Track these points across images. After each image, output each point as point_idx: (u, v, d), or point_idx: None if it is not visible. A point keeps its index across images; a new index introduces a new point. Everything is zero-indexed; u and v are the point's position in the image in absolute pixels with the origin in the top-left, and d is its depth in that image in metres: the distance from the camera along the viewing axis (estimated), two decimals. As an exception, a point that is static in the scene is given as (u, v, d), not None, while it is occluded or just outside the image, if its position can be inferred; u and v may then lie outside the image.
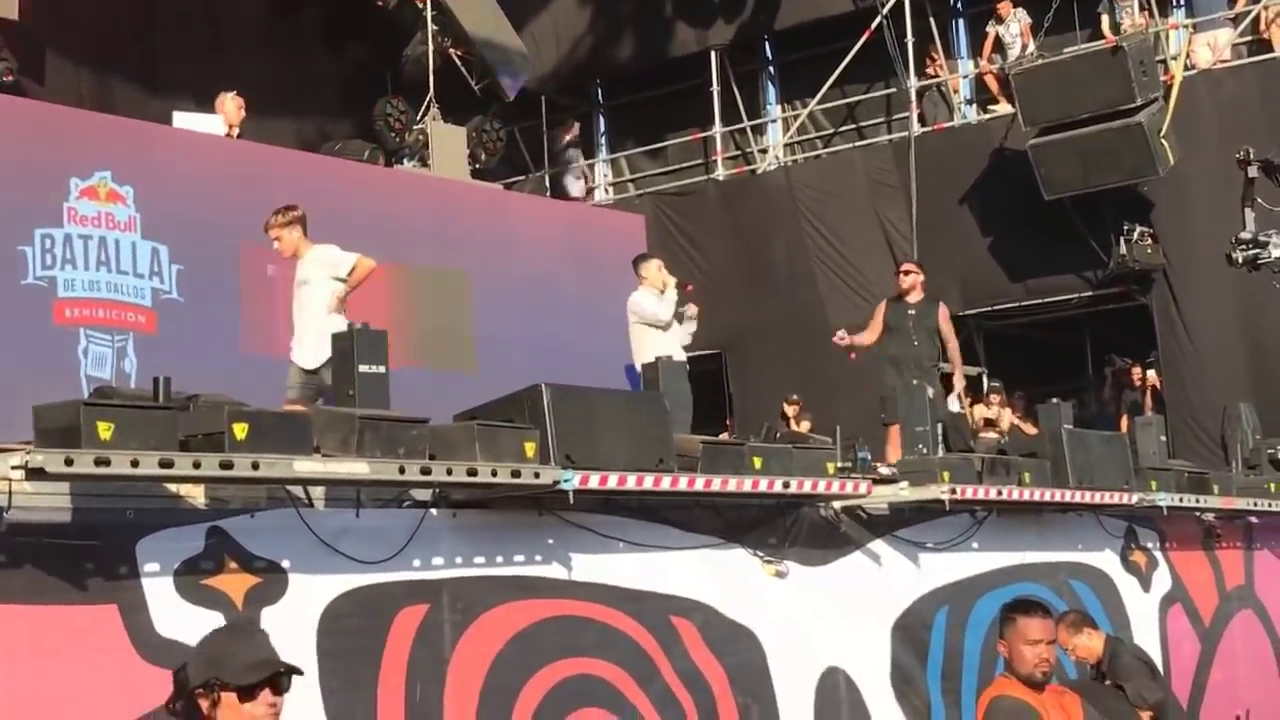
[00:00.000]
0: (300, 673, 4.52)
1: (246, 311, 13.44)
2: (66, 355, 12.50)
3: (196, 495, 6.74)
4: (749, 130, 21.28)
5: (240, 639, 4.57)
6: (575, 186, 22.23)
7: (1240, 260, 12.82)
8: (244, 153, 14.53)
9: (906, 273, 14.26)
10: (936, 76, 19.57)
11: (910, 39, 18.95)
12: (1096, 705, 7.08)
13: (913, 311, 13.97)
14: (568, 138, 22.25)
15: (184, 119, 14.52)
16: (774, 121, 21.60)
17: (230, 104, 14.86)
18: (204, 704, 4.38)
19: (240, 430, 6.32)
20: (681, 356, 12.95)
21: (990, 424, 17.65)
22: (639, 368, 12.68)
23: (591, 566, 8.10)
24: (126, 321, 12.97)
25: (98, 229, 12.87)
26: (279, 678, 4.44)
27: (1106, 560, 11.66)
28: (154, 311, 13.09)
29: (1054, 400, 12.00)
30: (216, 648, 4.51)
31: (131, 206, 13.10)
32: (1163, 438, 13.10)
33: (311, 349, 10.96)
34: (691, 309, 13.93)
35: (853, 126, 20.84)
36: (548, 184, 22.09)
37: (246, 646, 4.49)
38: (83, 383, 12.20)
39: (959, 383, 14.37)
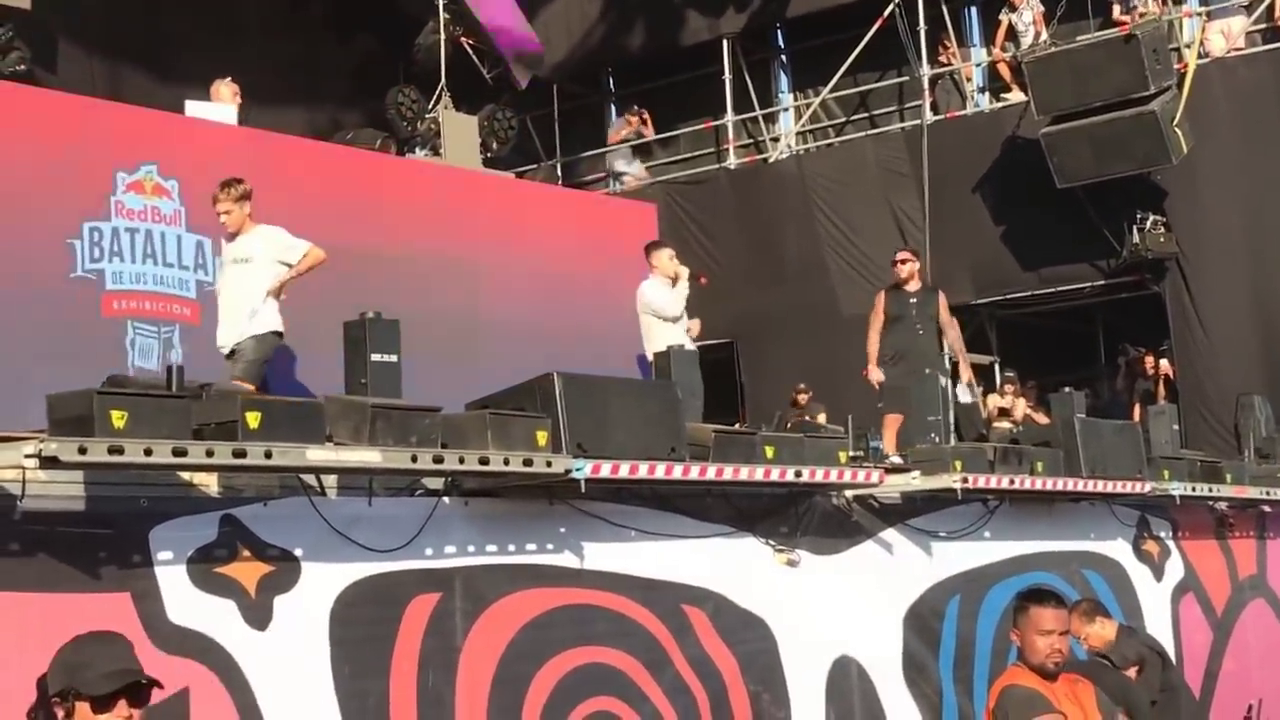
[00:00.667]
0: (159, 685, 4.41)
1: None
2: (114, 347, 12.56)
3: (209, 484, 6.76)
4: (761, 119, 21.24)
5: (99, 647, 4.42)
6: (628, 167, 21.52)
7: None
8: (285, 148, 14.66)
9: (904, 261, 14.08)
10: (949, 65, 19.53)
11: (923, 27, 18.91)
12: (1102, 686, 7.10)
13: (914, 300, 13.70)
14: (626, 132, 21.68)
15: (196, 108, 14.51)
16: (786, 110, 21.57)
17: (225, 90, 14.84)
18: (59, 712, 4.29)
19: (253, 419, 6.34)
20: (691, 345, 12.92)
21: (1004, 413, 17.63)
22: (650, 357, 12.70)
23: (603, 555, 8.11)
24: (172, 313, 13.09)
25: (144, 222, 12.99)
26: (137, 689, 4.33)
27: (1119, 549, 11.66)
28: (198, 303, 13.10)
29: (1066, 389, 11.98)
30: (74, 655, 4.38)
31: (176, 200, 13.23)
32: (1175, 427, 13.09)
33: (232, 327, 10.71)
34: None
35: (865, 115, 20.79)
36: (559, 171, 22.06)
37: (104, 655, 4.37)
38: (130, 374, 12.05)
39: (965, 372, 14.15)
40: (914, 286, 13.78)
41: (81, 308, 12.42)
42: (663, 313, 13.23)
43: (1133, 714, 8.71)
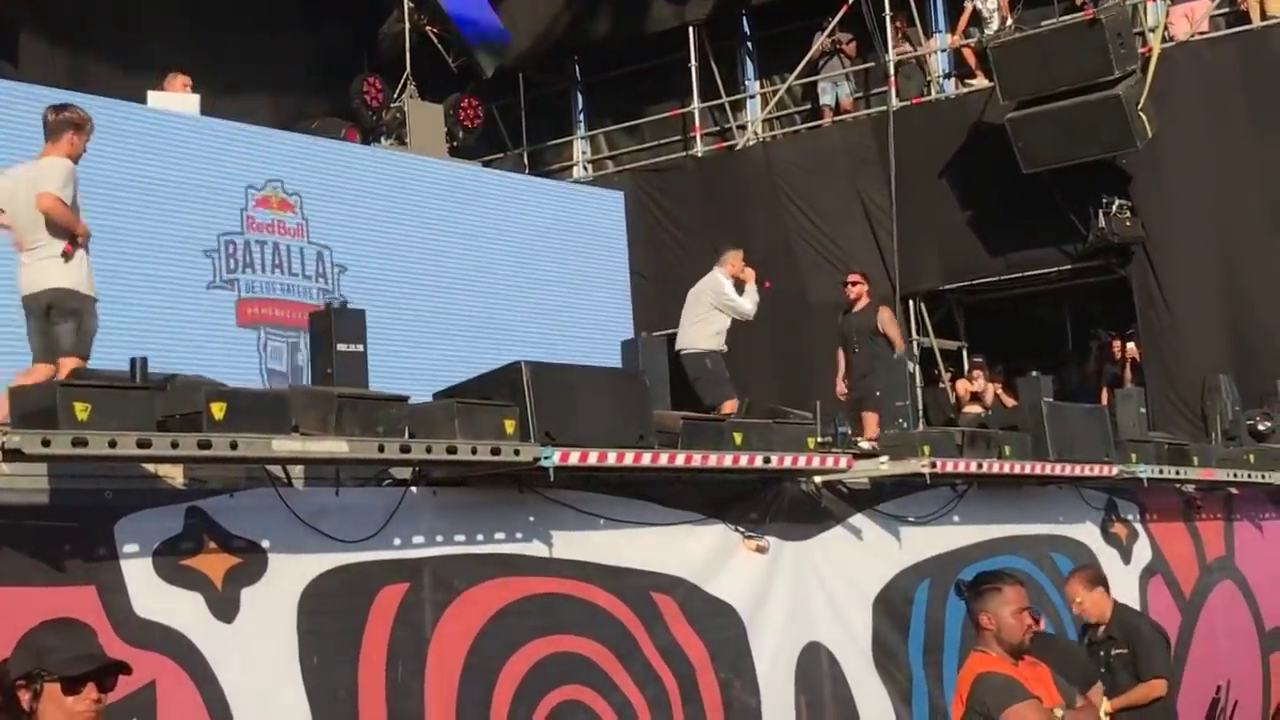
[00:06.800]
0: (128, 670, 4.41)
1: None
2: (248, 352, 13.84)
3: (175, 476, 6.72)
4: (728, 106, 21.23)
5: (65, 633, 4.45)
6: (829, 96, 20.36)
7: None
8: (396, 165, 16.19)
9: (852, 284, 15.18)
10: (910, 50, 19.52)
11: (888, 13, 18.92)
12: (1056, 657, 7.16)
13: (855, 320, 14.89)
14: (825, 42, 20.05)
15: (158, 98, 14.47)
16: (752, 97, 21.56)
17: (178, 83, 14.87)
18: (24, 696, 4.27)
19: (218, 410, 6.30)
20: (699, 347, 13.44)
21: (975, 398, 17.68)
22: (694, 346, 13.31)
23: (572, 543, 8.09)
24: (299, 320, 13.87)
25: (272, 235, 14.46)
26: (104, 674, 4.33)
27: (1087, 532, 11.68)
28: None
29: (1034, 374, 12.00)
30: (40, 640, 4.38)
31: (299, 214, 14.69)
32: (1143, 410, 13.12)
33: None
34: None
35: (832, 101, 20.79)
36: (526, 161, 22.00)
37: (71, 640, 4.38)
38: (263, 376, 13.52)
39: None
40: (858, 306, 15.02)
41: (218, 315, 13.84)
42: (741, 312, 13.64)
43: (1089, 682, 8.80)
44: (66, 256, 9.01)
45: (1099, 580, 9.81)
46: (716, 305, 13.55)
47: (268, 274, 14.28)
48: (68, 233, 9.02)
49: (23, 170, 9.27)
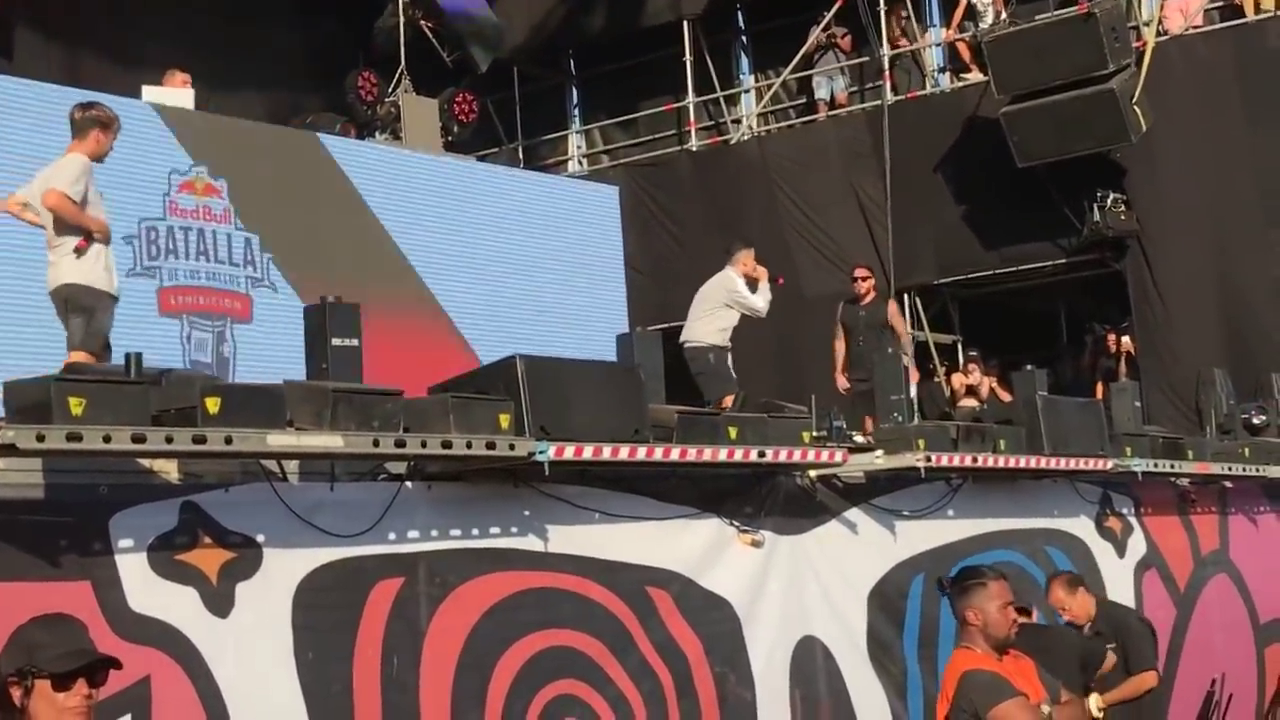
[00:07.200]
0: (118, 665, 4.42)
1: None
2: (171, 342, 13.34)
3: (170, 470, 6.71)
4: (722, 100, 21.23)
5: (55, 629, 4.46)
6: (824, 90, 20.37)
7: None
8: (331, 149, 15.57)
9: (862, 278, 15.34)
10: (905, 44, 19.52)
11: (883, 7, 18.93)
12: (1058, 649, 7.15)
13: (862, 313, 15.07)
14: (820, 36, 20.01)
15: (153, 93, 14.46)
16: (747, 91, 21.56)
17: (177, 80, 14.89)
18: (15, 693, 4.26)
19: (212, 404, 6.30)
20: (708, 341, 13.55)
21: (971, 391, 17.70)
22: (699, 340, 13.37)
23: (567, 538, 8.09)
24: (224, 308, 13.96)
25: (196, 221, 13.92)
26: (95, 670, 4.35)
27: (1082, 526, 11.69)
28: (249, 298, 14.07)
29: (1028, 367, 12.01)
30: (31, 636, 4.39)
31: (226, 199, 14.15)
32: (1137, 403, 13.13)
33: None
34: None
35: (827, 96, 20.79)
36: (521, 155, 22.01)
37: (62, 636, 4.39)
38: (186, 368, 12.73)
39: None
40: (867, 300, 15.21)
41: (139, 304, 13.04)
42: (756, 313, 13.73)
43: (1090, 669, 8.83)
44: (80, 252, 9.13)
45: (1078, 582, 9.87)
46: (729, 302, 13.63)
47: (192, 261, 13.86)
48: (81, 229, 9.11)
49: (47, 170, 9.37)
